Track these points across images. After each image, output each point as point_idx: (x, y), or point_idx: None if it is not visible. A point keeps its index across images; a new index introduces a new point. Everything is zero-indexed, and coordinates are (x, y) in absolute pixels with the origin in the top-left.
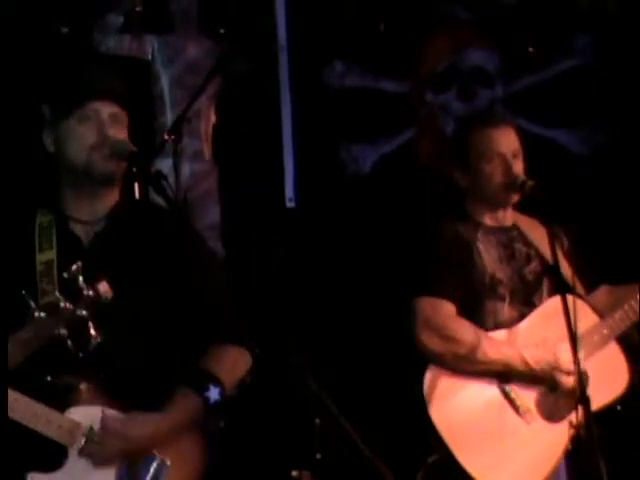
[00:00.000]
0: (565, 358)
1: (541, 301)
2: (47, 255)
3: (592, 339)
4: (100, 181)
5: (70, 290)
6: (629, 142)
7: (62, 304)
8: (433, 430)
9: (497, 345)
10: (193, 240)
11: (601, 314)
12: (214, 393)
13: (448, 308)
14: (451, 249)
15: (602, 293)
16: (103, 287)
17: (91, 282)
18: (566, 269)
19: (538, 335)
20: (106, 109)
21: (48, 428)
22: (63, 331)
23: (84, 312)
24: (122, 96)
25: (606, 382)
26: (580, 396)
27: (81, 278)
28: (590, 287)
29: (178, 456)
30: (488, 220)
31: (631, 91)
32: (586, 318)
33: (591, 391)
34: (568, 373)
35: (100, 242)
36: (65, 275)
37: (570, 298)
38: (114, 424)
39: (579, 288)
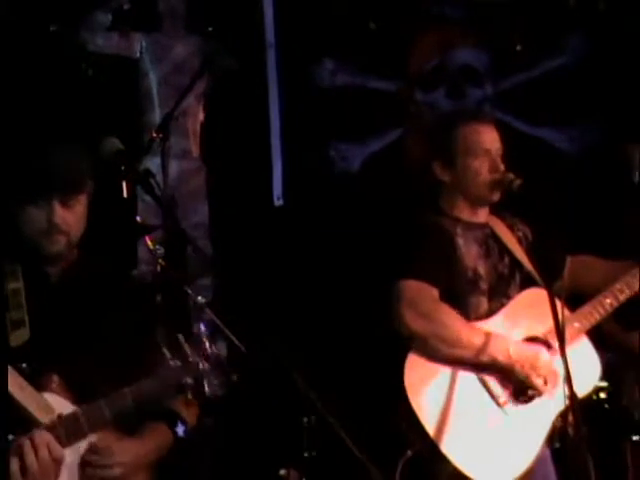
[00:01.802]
0: (544, 363)
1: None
2: (14, 285)
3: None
4: (49, 260)
5: (196, 346)
6: (618, 141)
7: (191, 358)
8: (414, 420)
9: (482, 332)
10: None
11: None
12: (180, 429)
13: (433, 292)
14: (435, 240)
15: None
16: (222, 349)
17: (213, 341)
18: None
19: (510, 328)
20: (56, 199)
21: (29, 402)
22: (190, 381)
23: (207, 365)
24: (73, 184)
25: (578, 376)
26: (569, 395)
27: (205, 336)
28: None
29: None
30: (466, 216)
31: (621, 89)
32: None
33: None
34: (544, 379)
35: (66, 280)
36: (192, 335)
37: (540, 292)
38: (106, 448)
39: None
